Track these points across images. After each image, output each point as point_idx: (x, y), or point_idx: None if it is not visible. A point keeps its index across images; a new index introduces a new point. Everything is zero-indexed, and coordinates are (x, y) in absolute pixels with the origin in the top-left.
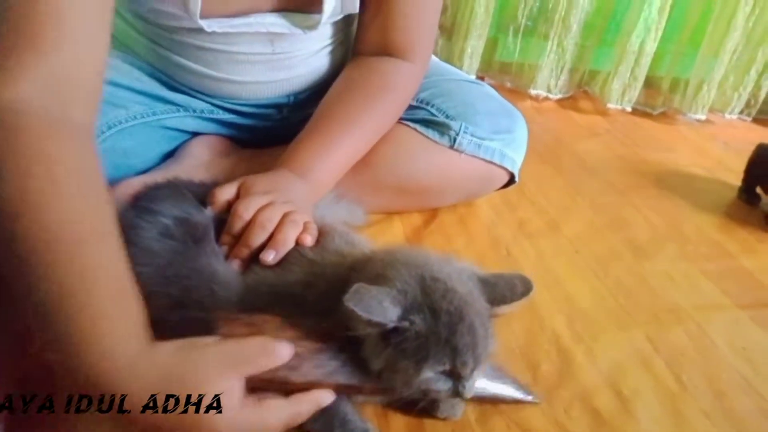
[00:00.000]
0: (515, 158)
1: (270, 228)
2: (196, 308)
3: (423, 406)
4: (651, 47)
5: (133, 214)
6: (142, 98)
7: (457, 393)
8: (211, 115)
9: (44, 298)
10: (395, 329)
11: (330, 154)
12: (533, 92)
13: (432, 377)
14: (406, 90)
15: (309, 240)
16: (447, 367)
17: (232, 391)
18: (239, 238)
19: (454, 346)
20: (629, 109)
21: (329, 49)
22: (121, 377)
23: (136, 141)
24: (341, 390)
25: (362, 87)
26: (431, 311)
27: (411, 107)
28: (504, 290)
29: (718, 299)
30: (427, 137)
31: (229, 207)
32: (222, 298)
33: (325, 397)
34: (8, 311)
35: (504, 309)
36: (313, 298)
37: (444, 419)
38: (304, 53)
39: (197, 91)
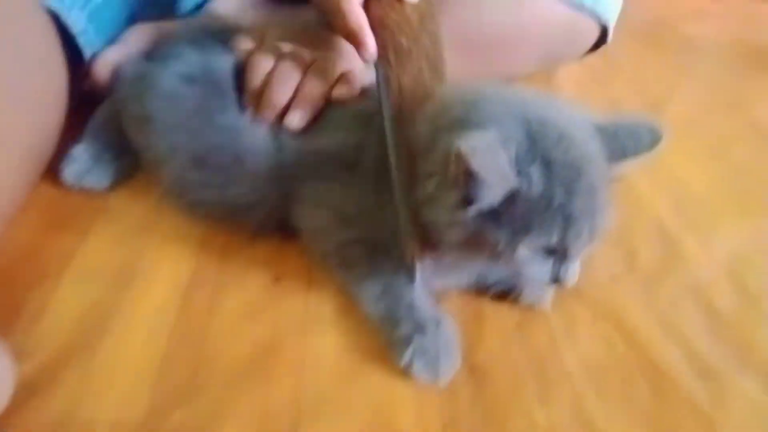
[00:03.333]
0: (606, 8)
1: (293, 82)
2: (216, 172)
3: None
4: None
5: (152, 61)
6: None
7: (556, 279)
8: None
9: None
10: None
11: None
12: None
13: (528, 256)
14: None
15: (344, 91)
16: (553, 240)
17: None
18: (260, 96)
19: (569, 211)
20: None
21: None
22: None
23: None
24: None
25: None
26: (544, 163)
27: None
28: (626, 141)
29: None
30: None
31: None
32: (250, 166)
33: None
34: None
35: (625, 166)
36: (369, 162)
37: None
38: None
39: None
